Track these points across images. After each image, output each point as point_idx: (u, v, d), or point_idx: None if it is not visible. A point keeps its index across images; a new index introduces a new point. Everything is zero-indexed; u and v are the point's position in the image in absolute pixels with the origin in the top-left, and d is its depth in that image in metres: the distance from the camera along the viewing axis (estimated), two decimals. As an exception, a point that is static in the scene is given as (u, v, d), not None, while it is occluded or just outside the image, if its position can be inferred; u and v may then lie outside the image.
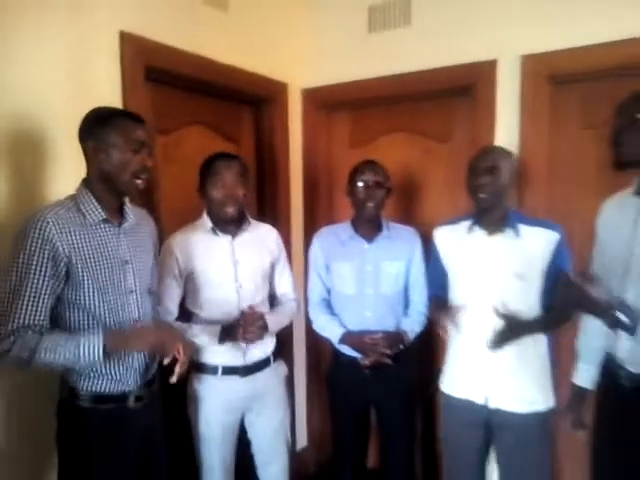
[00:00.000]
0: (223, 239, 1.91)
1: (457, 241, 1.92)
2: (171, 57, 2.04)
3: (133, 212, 1.57)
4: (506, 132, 2.28)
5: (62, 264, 1.36)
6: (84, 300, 1.41)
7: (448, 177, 2.50)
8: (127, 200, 1.57)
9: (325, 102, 2.77)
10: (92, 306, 1.42)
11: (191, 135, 2.32)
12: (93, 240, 1.43)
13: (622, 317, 1.41)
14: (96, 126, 1.42)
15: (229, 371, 1.89)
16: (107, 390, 1.47)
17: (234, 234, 1.92)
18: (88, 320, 1.44)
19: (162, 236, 1.89)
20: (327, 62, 2.69)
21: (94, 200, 1.44)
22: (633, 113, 1.39)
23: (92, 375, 1.46)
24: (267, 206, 2.67)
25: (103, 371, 1.47)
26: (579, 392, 1.75)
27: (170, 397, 1.84)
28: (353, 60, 2.62)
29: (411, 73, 2.45)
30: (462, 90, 2.39)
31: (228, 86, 2.35)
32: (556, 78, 2.19)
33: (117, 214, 1.52)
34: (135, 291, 1.52)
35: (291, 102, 2.72)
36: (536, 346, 1.81)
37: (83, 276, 1.40)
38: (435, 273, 2.00)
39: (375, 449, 2.50)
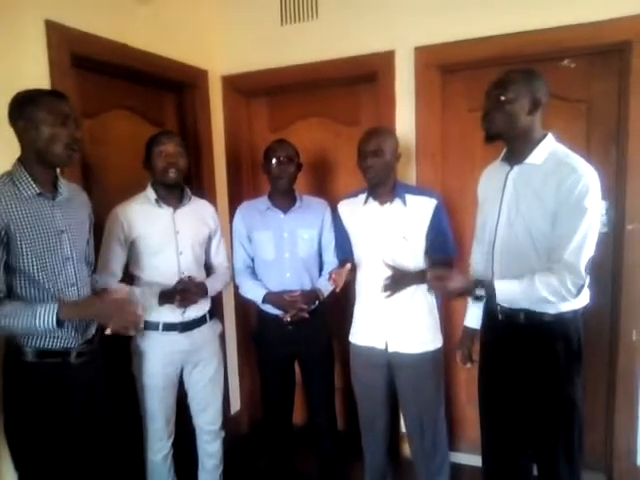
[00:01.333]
0: (165, 210, 2.11)
1: (355, 212, 2.22)
2: (95, 45, 2.16)
3: (67, 187, 1.72)
4: (405, 115, 2.59)
5: (2, 232, 1.51)
6: (24, 266, 1.56)
7: (356, 157, 2.77)
8: (60, 175, 1.71)
9: (244, 88, 2.98)
10: (32, 272, 1.57)
11: (117, 119, 2.46)
12: (29, 212, 1.57)
13: (480, 293, 1.72)
14: (24, 106, 1.56)
15: (169, 327, 2.10)
16: (50, 346, 1.63)
17: (175, 207, 2.13)
18: (29, 285, 1.58)
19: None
20: (244, 51, 2.89)
21: (28, 176, 1.58)
22: (497, 96, 1.68)
23: (39, 333, 1.60)
24: (192, 186, 2.83)
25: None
26: (468, 332, 2.08)
27: (114, 354, 2.02)
28: (268, 49, 2.84)
29: (320, 62, 2.70)
30: (366, 78, 2.68)
31: (151, 72, 2.50)
32: (445, 67, 2.52)
33: (51, 188, 1.66)
34: (72, 258, 1.68)
35: (212, 88, 2.90)
36: (425, 296, 2.13)
37: (21, 244, 1.54)
38: (341, 239, 2.29)
39: (301, 407, 2.79)
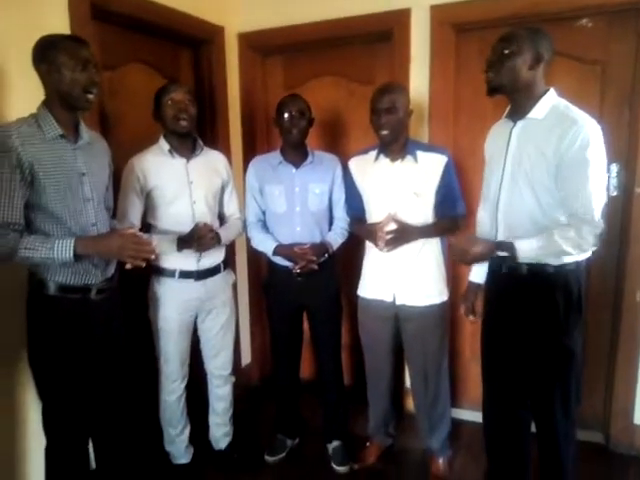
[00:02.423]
0: (179, 161, 2.17)
1: (366, 169, 2.25)
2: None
3: (88, 132, 1.79)
4: (419, 75, 2.61)
5: (27, 171, 1.58)
6: (48, 204, 1.63)
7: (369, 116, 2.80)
8: (82, 121, 1.78)
9: (260, 46, 2.99)
10: (55, 209, 1.65)
11: (134, 72, 2.51)
12: (52, 153, 1.64)
13: (502, 254, 1.75)
14: (46, 50, 1.62)
15: (185, 275, 2.18)
16: (72, 282, 1.71)
17: (188, 158, 2.19)
18: (53, 223, 1.66)
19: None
20: (261, 7, 2.90)
21: (52, 118, 1.65)
22: (501, 49, 1.70)
23: (58, 268, 1.69)
24: (207, 140, 2.88)
25: (68, 264, 1.69)
26: (472, 286, 2.12)
27: (132, 300, 2.12)
28: (284, 6, 2.84)
29: (336, 19, 2.71)
30: (382, 36, 2.68)
31: (168, 27, 2.54)
32: (460, 26, 2.52)
33: (73, 132, 1.73)
34: (92, 200, 1.75)
35: (228, 45, 2.93)
36: (432, 251, 2.19)
37: (45, 183, 1.61)
38: (352, 196, 2.33)
39: (310, 362, 2.88)
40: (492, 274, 1.94)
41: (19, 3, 1.87)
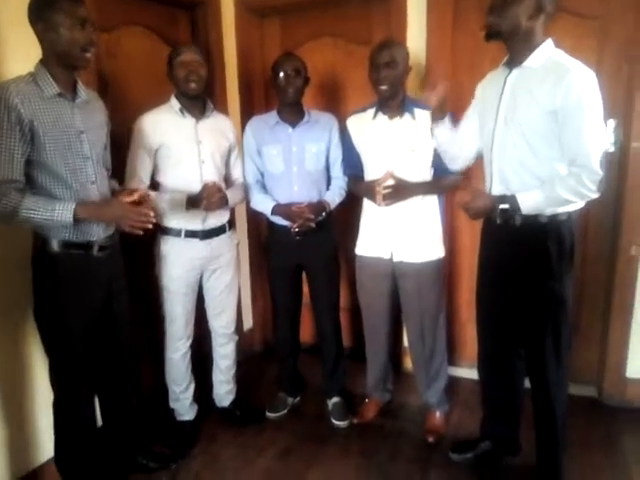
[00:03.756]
0: (189, 121, 2.19)
1: (365, 126, 2.26)
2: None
3: (85, 91, 1.80)
4: (416, 34, 2.59)
5: (27, 128, 1.60)
6: (48, 161, 1.65)
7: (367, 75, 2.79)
8: (80, 81, 1.78)
9: (256, 7, 2.97)
10: (55, 166, 1.67)
11: (131, 35, 2.49)
12: (51, 110, 1.66)
13: (504, 206, 1.77)
14: (42, 9, 1.62)
15: (190, 234, 2.22)
16: (74, 238, 1.75)
17: (198, 118, 2.21)
18: (54, 181, 1.68)
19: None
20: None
21: (49, 76, 1.66)
22: None
23: (60, 227, 1.72)
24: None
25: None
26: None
27: (138, 257, 2.17)
28: (281, -34, 2.81)
29: (333, -21, 2.68)
30: (378, -6, 2.65)
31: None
32: (458, -17, 2.48)
33: (71, 90, 1.74)
34: (91, 158, 1.77)
35: (224, 6, 2.90)
36: (429, 208, 2.22)
37: (45, 140, 1.63)
38: (350, 155, 2.34)
39: (310, 327, 2.93)
40: (486, 225, 1.97)
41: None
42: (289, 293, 2.51)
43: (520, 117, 1.72)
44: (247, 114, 2.99)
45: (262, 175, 2.43)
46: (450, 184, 2.22)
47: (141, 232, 1.75)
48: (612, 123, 2.37)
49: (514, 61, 1.77)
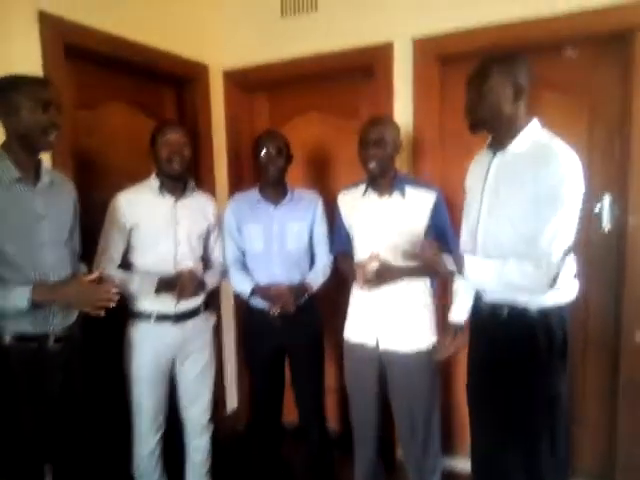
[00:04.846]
0: (167, 200, 2.12)
1: (354, 204, 2.17)
2: (91, 37, 2.18)
3: (50, 174, 1.73)
4: (403, 108, 2.55)
5: None
6: (2, 250, 1.57)
7: (356, 150, 2.74)
8: (44, 163, 1.73)
9: (245, 83, 2.97)
10: (10, 256, 1.58)
11: (114, 111, 2.48)
12: (8, 197, 1.59)
13: (452, 267, 1.69)
14: (5, 92, 1.58)
15: (162, 318, 2.10)
16: (29, 330, 1.63)
17: (178, 197, 2.14)
18: (8, 269, 1.59)
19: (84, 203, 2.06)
20: (245, 44, 2.89)
21: (9, 161, 1.60)
22: (478, 86, 1.63)
23: (14, 317, 1.60)
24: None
25: (25, 312, 1.61)
26: (449, 325, 2.00)
27: (107, 345, 2.06)
28: (268, 42, 2.82)
29: (319, 55, 2.68)
30: (365, 70, 2.64)
31: (149, 66, 2.51)
32: (444, 58, 2.47)
33: (33, 174, 1.67)
34: (49, 244, 1.68)
35: (212, 82, 2.91)
36: (418, 292, 2.08)
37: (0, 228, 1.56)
38: (340, 232, 2.24)
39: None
40: (474, 314, 1.84)
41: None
42: (269, 380, 2.35)
43: (504, 202, 1.63)
44: (236, 190, 2.93)
45: (243, 254, 2.33)
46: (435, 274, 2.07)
47: (102, 313, 1.65)
48: (608, 198, 2.27)
49: (498, 145, 1.69)
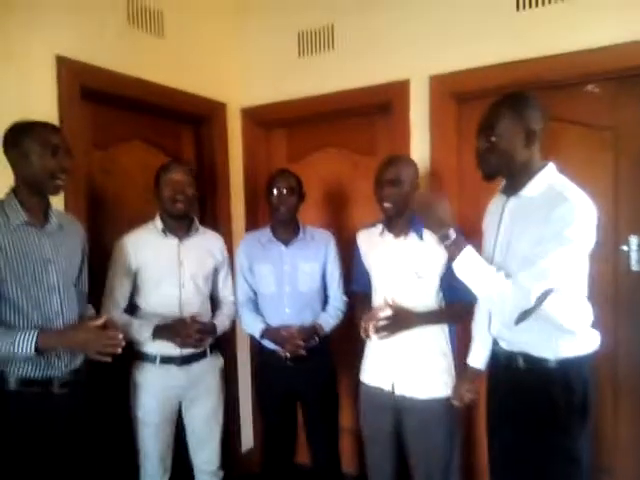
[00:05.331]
0: (171, 241, 2.10)
1: (372, 243, 2.12)
2: (107, 79, 2.21)
3: (59, 216, 1.74)
4: (419, 145, 2.51)
5: None
6: (8, 295, 1.57)
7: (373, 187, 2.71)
8: (52, 205, 1.74)
9: (262, 120, 2.98)
10: (16, 301, 1.58)
11: (131, 150, 2.50)
12: (16, 240, 1.59)
13: (451, 235, 1.61)
14: (16, 137, 1.61)
15: (166, 360, 2.06)
16: (33, 375, 1.62)
17: (182, 237, 2.12)
18: (14, 313, 1.59)
19: (99, 243, 2.09)
20: (263, 83, 2.91)
21: (18, 204, 1.61)
22: (488, 137, 1.57)
23: (19, 361, 1.59)
24: (208, 217, 2.85)
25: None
26: (470, 371, 1.90)
27: (114, 386, 2.03)
28: (286, 81, 2.84)
29: (336, 93, 2.68)
30: (382, 107, 2.62)
31: (167, 106, 2.54)
32: (461, 96, 2.42)
33: (41, 217, 1.68)
34: (57, 288, 1.68)
35: (230, 120, 2.93)
36: (435, 338, 1.98)
37: (6, 273, 1.56)
38: (360, 271, 2.17)
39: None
40: (491, 364, 1.76)
41: (5, 84, 1.89)
42: (281, 424, 2.28)
43: (515, 248, 1.55)
44: (252, 228, 2.92)
45: (255, 294, 2.29)
46: (459, 313, 1.98)
47: (109, 359, 1.63)
48: (635, 240, 2.16)
49: (511, 189, 1.63)
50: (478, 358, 1.86)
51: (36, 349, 1.53)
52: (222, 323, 2.19)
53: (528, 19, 2.21)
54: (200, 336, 2.04)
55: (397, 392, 2.00)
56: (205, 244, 2.21)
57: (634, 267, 2.16)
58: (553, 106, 2.25)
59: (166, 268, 2.07)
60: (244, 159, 3.01)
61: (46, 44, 2.01)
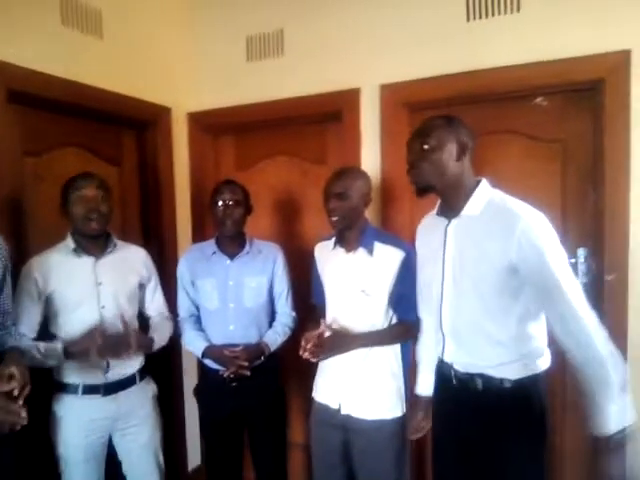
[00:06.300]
0: (86, 260, 1.92)
1: (326, 256, 2.04)
2: (37, 81, 2.06)
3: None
4: (370, 154, 2.46)
5: None
6: None
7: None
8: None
9: (210, 126, 2.87)
10: None
11: (66, 157, 2.34)
12: None
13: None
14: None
15: (90, 390, 1.88)
16: None
17: (98, 256, 1.94)
18: None
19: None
20: (210, 87, 2.81)
21: None
22: (420, 145, 1.53)
23: None
24: (151, 227, 2.72)
25: None
26: (418, 400, 1.86)
27: (36, 418, 1.84)
28: (234, 86, 2.75)
29: (286, 99, 2.60)
30: (332, 116, 2.55)
31: (106, 110, 2.39)
32: (412, 105, 2.38)
33: None
34: None
35: (176, 125, 2.80)
36: (383, 358, 1.91)
37: None
38: (317, 283, 2.09)
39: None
40: (440, 386, 1.70)
41: None
42: (224, 447, 2.17)
43: (471, 273, 1.51)
44: (199, 238, 2.80)
45: (198, 309, 2.18)
46: (402, 334, 1.91)
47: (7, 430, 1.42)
48: (582, 252, 2.17)
49: (450, 210, 1.59)
50: (427, 385, 1.82)
51: None
52: (160, 337, 2.03)
53: (478, 30, 2.20)
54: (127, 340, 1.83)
55: (343, 411, 1.93)
56: (126, 259, 2.02)
57: (582, 279, 2.16)
58: (502, 118, 2.26)
59: (82, 291, 1.87)
60: (190, 166, 2.90)
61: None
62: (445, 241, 1.59)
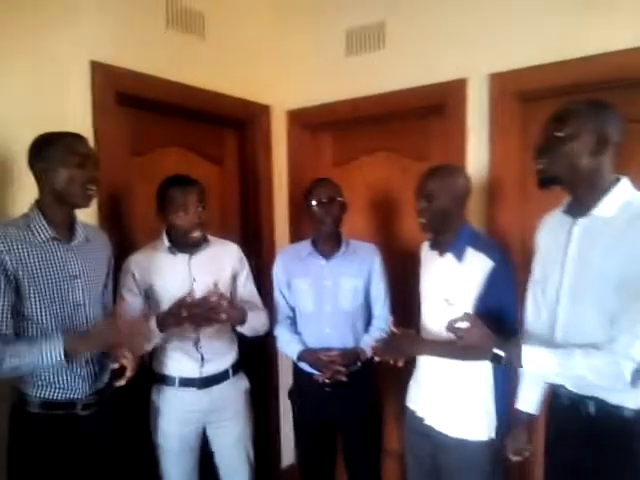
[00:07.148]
0: (180, 258, 1.96)
1: (424, 257, 1.93)
2: (144, 84, 2.14)
3: (85, 229, 1.66)
4: (477, 149, 2.28)
5: (11, 277, 1.46)
6: (32, 314, 1.51)
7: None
8: (78, 218, 1.65)
9: (308, 123, 2.83)
10: (40, 319, 1.52)
11: (169, 156, 2.41)
12: (41, 256, 1.52)
13: (499, 352, 1.37)
14: (42, 148, 1.53)
15: (186, 383, 1.94)
16: (55, 397, 1.55)
17: (191, 253, 1.97)
18: (37, 332, 1.52)
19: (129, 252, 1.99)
20: (309, 84, 2.76)
21: (43, 219, 1.54)
22: (552, 132, 1.36)
23: (41, 383, 1.54)
24: (250, 226, 2.74)
25: (51, 379, 1.55)
26: (520, 417, 1.67)
27: (138, 407, 1.94)
28: (333, 82, 2.68)
29: (387, 93, 2.49)
30: (435, 109, 2.41)
31: (208, 110, 2.44)
32: (524, 95, 2.18)
33: (67, 232, 1.61)
34: (84, 305, 1.61)
35: (275, 123, 2.80)
36: (472, 374, 1.72)
37: (29, 290, 1.49)
38: None
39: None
40: (551, 405, 1.52)
41: (37, 91, 1.84)
42: (318, 453, 2.13)
43: (596, 280, 1.33)
44: (297, 235, 2.78)
45: (293, 311, 2.15)
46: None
47: (123, 382, 1.60)
48: None
49: (578, 208, 1.40)
50: (529, 401, 1.64)
51: (65, 354, 1.44)
52: (252, 320, 1.96)
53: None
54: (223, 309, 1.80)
55: (427, 422, 1.80)
56: (218, 255, 2.03)
57: None
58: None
59: (180, 286, 1.91)
60: (289, 164, 2.88)
61: (80, 49, 1.95)
62: (568, 242, 1.41)
